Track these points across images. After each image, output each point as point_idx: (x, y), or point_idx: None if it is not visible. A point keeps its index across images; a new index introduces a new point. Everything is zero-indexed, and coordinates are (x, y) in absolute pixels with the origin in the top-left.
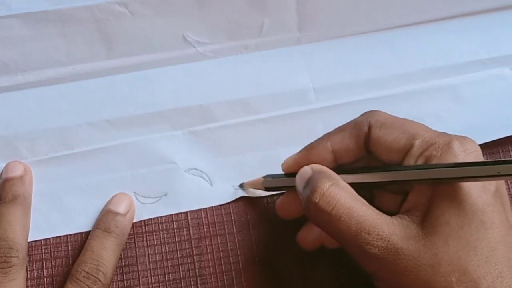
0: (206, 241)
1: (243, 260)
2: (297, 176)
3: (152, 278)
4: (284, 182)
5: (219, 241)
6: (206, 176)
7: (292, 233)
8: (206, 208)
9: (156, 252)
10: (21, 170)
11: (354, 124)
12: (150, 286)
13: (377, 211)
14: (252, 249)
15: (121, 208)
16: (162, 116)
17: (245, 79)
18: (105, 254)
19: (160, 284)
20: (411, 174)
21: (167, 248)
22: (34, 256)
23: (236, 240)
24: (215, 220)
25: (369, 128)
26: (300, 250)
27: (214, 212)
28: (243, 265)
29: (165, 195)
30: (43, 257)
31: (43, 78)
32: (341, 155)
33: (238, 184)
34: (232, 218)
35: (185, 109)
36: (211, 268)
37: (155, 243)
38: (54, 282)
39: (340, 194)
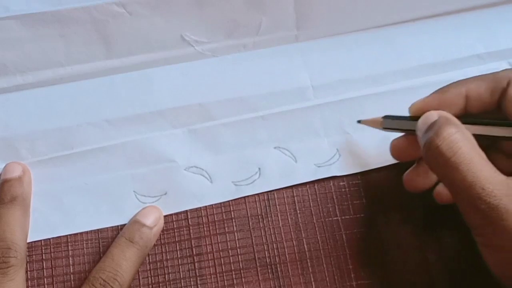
0: (206, 241)
1: (243, 260)
2: (421, 118)
3: (152, 278)
4: (404, 124)
5: (219, 240)
6: (206, 174)
7: (291, 233)
8: (206, 207)
9: (156, 252)
10: (20, 171)
11: (493, 77)
12: (150, 286)
13: (494, 168)
14: (252, 249)
15: (148, 220)
16: (162, 115)
17: (243, 77)
18: (125, 265)
19: (160, 284)
20: None
21: (167, 248)
22: (34, 256)
23: (236, 239)
24: (215, 219)
25: (508, 84)
26: (301, 250)
27: (214, 211)
28: (243, 265)
29: (165, 194)
30: (43, 257)
31: (42, 79)
32: (472, 104)
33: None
34: (232, 216)
35: (184, 108)
36: (211, 268)
37: (155, 243)
38: (54, 282)
39: (464, 143)
